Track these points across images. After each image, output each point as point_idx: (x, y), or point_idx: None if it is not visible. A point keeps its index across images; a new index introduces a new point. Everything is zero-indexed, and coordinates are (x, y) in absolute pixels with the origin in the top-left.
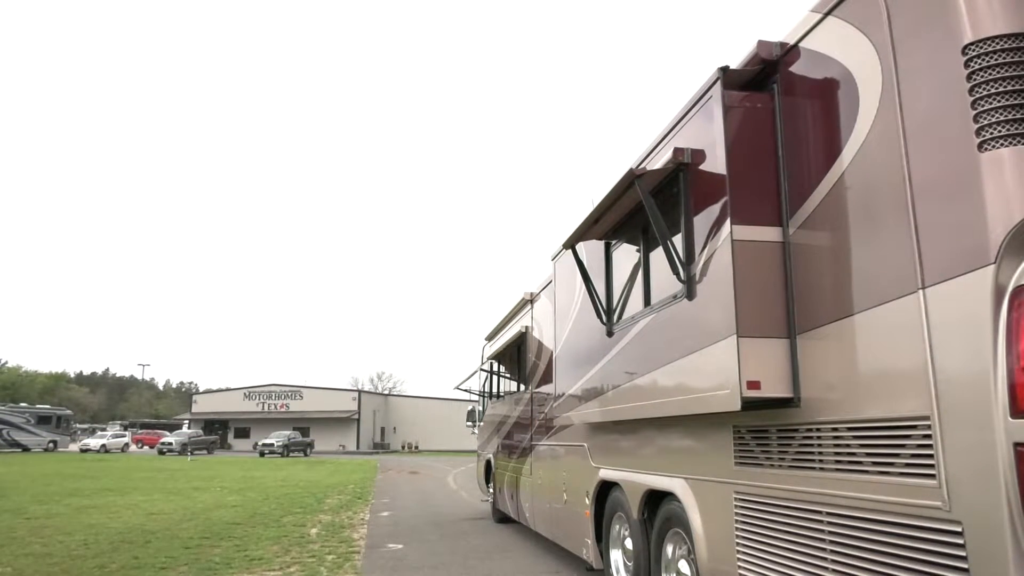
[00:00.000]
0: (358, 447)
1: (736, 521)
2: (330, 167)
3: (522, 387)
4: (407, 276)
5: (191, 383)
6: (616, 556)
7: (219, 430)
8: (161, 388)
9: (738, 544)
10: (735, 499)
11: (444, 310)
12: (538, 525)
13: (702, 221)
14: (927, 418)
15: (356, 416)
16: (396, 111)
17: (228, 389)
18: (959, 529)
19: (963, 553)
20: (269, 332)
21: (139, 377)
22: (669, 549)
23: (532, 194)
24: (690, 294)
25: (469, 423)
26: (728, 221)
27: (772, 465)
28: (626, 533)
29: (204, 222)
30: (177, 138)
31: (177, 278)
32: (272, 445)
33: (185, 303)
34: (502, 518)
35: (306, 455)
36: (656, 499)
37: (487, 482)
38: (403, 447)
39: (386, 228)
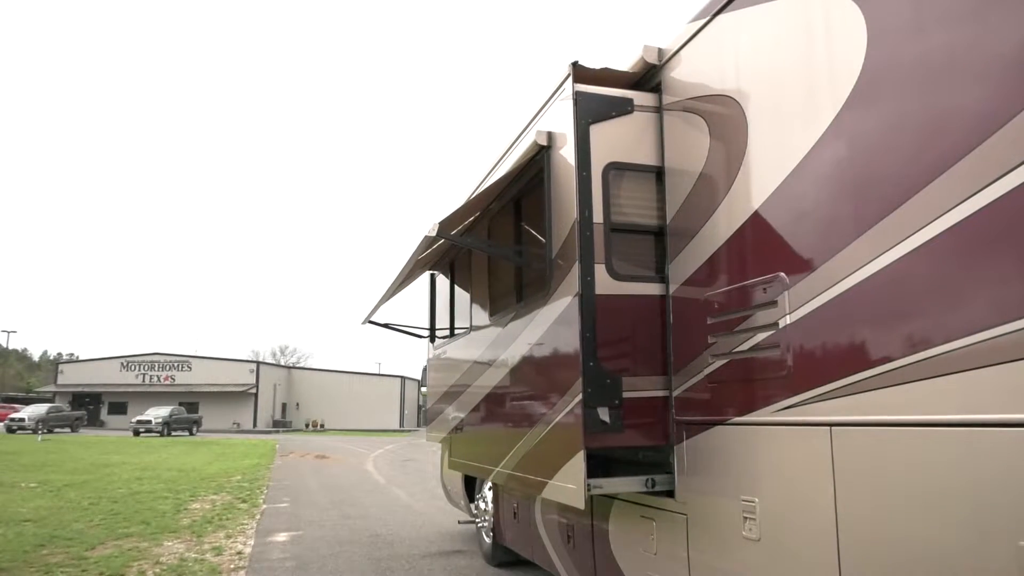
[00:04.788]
0: (255, 425)
1: None
2: (236, 123)
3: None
4: (318, 247)
5: (71, 354)
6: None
7: (90, 405)
8: (36, 360)
9: None
10: None
11: (356, 284)
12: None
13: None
14: None
15: (254, 391)
16: (313, 84)
17: (103, 358)
18: None
19: None
20: (162, 301)
21: (5, 346)
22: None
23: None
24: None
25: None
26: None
27: None
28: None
29: (84, 172)
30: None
31: (53, 235)
32: (149, 423)
33: (67, 266)
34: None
35: (192, 434)
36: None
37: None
38: (307, 426)
39: (294, 203)
